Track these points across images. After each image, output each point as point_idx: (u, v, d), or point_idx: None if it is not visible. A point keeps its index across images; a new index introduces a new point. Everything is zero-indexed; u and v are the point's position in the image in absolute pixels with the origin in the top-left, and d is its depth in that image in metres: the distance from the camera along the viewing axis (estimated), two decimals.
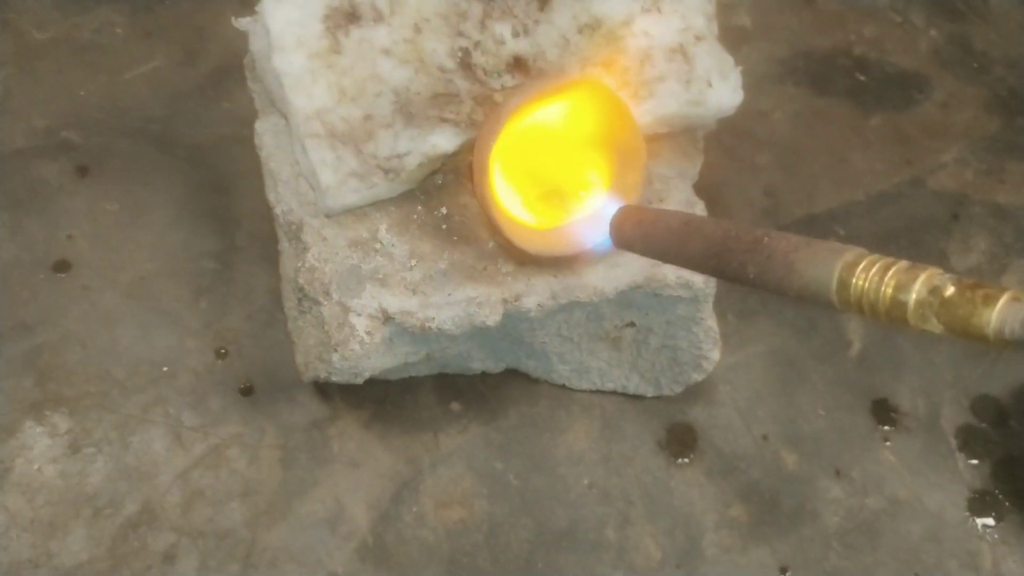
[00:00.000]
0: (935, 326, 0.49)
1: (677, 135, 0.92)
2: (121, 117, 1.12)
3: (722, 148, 1.17)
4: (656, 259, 0.70)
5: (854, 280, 0.51)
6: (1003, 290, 0.46)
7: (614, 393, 1.03)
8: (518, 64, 0.84)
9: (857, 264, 0.52)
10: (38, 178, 1.06)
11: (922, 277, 0.49)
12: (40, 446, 0.92)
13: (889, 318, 0.50)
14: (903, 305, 0.49)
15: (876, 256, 0.52)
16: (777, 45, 1.36)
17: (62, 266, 1.01)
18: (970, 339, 0.47)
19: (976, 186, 1.28)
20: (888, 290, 0.50)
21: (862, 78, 1.36)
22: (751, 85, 0.91)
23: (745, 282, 0.59)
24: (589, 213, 0.81)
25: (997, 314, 0.46)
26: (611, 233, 0.74)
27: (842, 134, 1.30)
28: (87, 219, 1.04)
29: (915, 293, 0.49)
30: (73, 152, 1.08)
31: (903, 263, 0.50)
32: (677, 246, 0.65)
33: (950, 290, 0.48)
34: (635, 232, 0.71)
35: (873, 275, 0.51)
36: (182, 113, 1.14)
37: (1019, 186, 1.28)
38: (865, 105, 1.33)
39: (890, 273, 0.50)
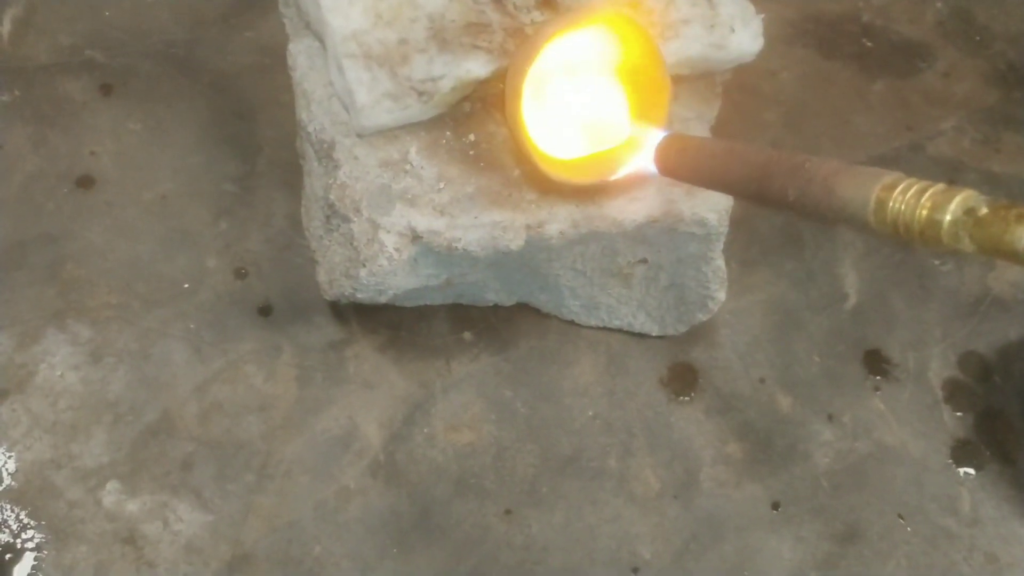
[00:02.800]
0: (967, 245, 0.51)
1: (696, 79, 0.95)
2: (144, 39, 1.13)
3: (731, 104, 1.19)
4: (699, 184, 0.73)
5: (891, 202, 0.54)
6: None
7: (620, 331, 1.06)
8: (547, 1, 0.87)
9: (895, 186, 0.54)
10: (63, 94, 1.07)
11: (958, 198, 0.51)
12: (62, 353, 0.94)
13: (923, 238, 0.53)
14: (938, 224, 0.52)
15: (913, 179, 0.54)
16: (788, 7, 1.39)
17: (85, 181, 1.03)
18: (1002, 256, 0.50)
19: (972, 154, 1.32)
20: (924, 211, 0.52)
21: (868, 44, 1.39)
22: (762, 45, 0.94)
23: (785, 205, 0.61)
24: (616, 144, 0.83)
25: None
26: (656, 160, 0.76)
27: (846, 97, 1.33)
28: (110, 137, 1.06)
29: (950, 213, 0.51)
30: (97, 71, 1.10)
31: (940, 185, 0.53)
32: (721, 171, 0.67)
33: (984, 210, 0.50)
34: (680, 158, 0.73)
35: (910, 197, 0.53)
36: (205, 40, 1.15)
37: (1014, 156, 1.32)
38: (870, 70, 1.36)
39: (927, 195, 0.53)
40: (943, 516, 1.02)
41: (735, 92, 1.16)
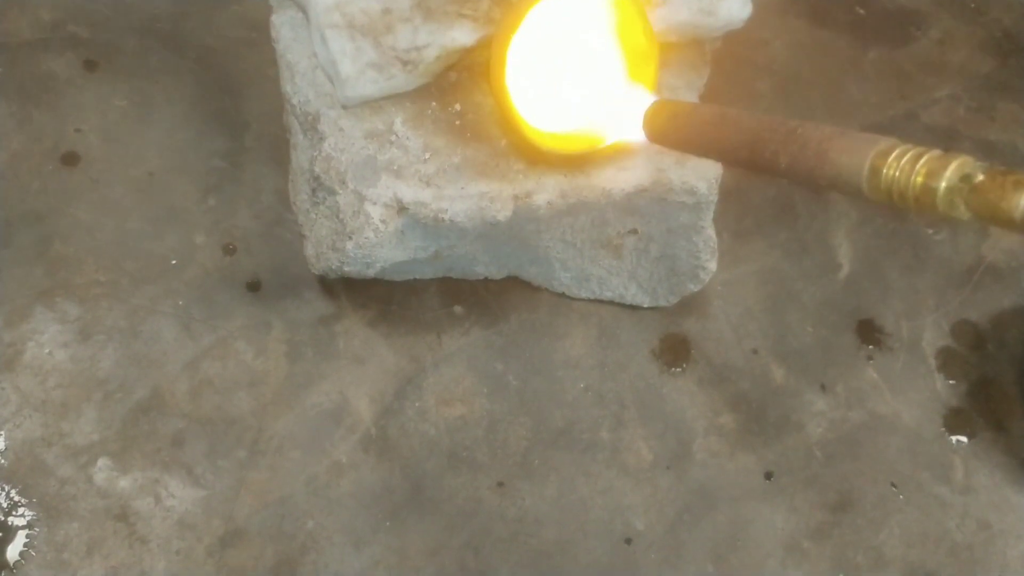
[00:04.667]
0: (963, 212, 0.50)
1: (685, 47, 0.94)
2: (129, 14, 1.12)
3: (723, 74, 1.18)
4: (688, 151, 0.72)
5: (886, 168, 0.53)
6: None
7: (611, 303, 1.06)
8: None
9: (890, 152, 0.53)
10: (46, 71, 1.06)
11: (954, 164, 0.51)
12: (51, 331, 0.94)
13: (918, 205, 0.52)
14: (933, 192, 0.51)
15: (908, 145, 0.53)
16: None
17: (71, 159, 1.02)
18: (997, 224, 0.49)
19: (967, 122, 1.31)
20: (919, 178, 0.51)
21: (862, 12, 1.37)
22: (754, 14, 0.92)
23: (777, 172, 0.60)
24: (604, 111, 0.82)
25: None
26: (644, 126, 0.75)
27: (840, 66, 1.32)
28: (96, 114, 1.05)
29: (945, 180, 0.50)
30: (81, 47, 1.09)
31: (935, 152, 0.52)
32: (711, 137, 0.66)
33: (980, 177, 0.49)
34: (669, 124, 0.72)
35: (905, 163, 0.52)
36: (191, 14, 1.14)
37: (1008, 124, 1.31)
38: (864, 39, 1.35)
39: (922, 161, 0.52)
40: (936, 484, 1.03)
41: (727, 62, 1.15)
